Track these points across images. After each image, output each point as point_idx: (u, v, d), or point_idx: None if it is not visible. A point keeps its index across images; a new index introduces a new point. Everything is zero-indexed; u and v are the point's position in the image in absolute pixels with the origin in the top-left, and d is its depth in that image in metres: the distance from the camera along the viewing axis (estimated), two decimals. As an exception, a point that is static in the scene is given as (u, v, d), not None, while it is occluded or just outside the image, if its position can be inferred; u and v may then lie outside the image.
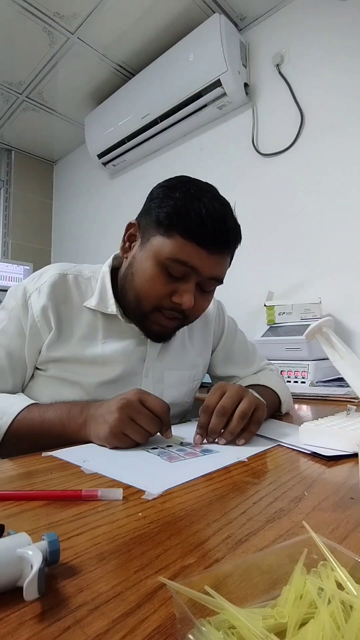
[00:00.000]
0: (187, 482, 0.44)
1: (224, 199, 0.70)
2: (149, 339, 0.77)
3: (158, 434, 0.60)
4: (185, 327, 0.84)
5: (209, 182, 0.72)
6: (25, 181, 2.97)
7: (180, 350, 0.84)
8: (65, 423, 0.62)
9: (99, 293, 0.75)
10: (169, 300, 0.68)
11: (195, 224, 0.63)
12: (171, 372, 0.82)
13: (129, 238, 0.74)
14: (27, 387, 0.76)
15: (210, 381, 1.01)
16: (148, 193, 0.73)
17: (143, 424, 0.57)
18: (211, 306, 0.92)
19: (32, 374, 0.76)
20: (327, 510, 0.37)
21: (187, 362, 0.85)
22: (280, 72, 1.69)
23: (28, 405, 0.65)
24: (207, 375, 0.96)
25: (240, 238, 0.72)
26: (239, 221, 0.72)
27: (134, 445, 0.58)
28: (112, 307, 0.74)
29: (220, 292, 0.99)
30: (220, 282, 0.71)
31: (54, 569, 0.27)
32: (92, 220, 2.68)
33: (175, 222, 0.64)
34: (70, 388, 0.73)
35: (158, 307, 0.69)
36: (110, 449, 0.57)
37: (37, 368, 0.75)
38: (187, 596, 0.20)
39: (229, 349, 0.93)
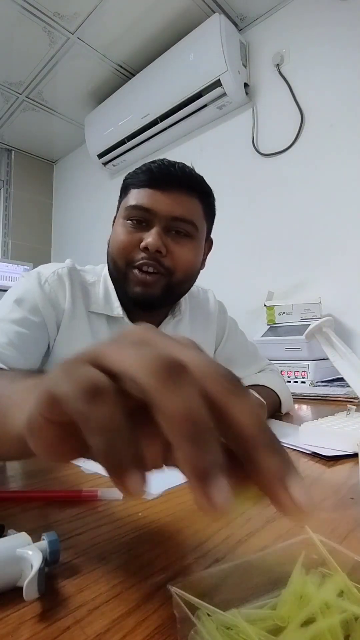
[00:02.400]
0: (187, 482, 0.44)
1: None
2: None
3: None
4: (186, 329, 0.83)
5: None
6: (25, 181, 2.97)
7: None
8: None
9: (103, 297, 0.75)
10: (137, 250, 0.67)
11: (143, 172, 0.69)
12: None
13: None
14: None
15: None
16: None
17: None
18: (212, 307, 0.92)
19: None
20: (327, 510, 0.37)
21: None
22: (280, 72, 1.69)
23: None
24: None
25: (199, 181, 0.72)
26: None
27: None
28: (117, 310, 0.74)
29: (220, 292, 1.00)
30: (189, 223, 0.69)
31: (54, 569, 0.27)
32: (92, 220, 2.68)
33: (129, 181, 0.71)
34: None
35: (130, 260, 0.68)
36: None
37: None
38: (187, 596, 0.20)
39: (230, 350, 0.92)
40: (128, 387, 0.18)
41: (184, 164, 0.72)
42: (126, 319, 0.74)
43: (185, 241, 0.70)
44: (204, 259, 0.82)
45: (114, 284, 0.74)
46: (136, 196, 0.69)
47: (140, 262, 0.67)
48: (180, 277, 0.70)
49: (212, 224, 0.80)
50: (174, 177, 0.68)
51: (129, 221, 0.69)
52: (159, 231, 0.67)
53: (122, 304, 0.74)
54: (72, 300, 0.72)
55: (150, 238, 0.66)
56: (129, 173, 0.73)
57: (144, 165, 0.70)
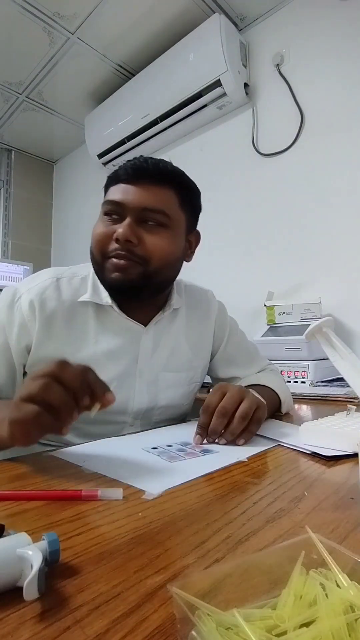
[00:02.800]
0: (187, 482, 0.44)
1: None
2: (141, 339, 0.77)
3: None
4: (179, 326, 0.83)
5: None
6: (25, 181, 2.97)
7: (175, 350, 0.83)
8: None
9: (92, 286, 0.76)
10: (112, 241, 0.70)
11: (119, 169, 0.72)
12: (166, 374, 0.81)
13: None
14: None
15: (210, 381, 1.01)
16: None
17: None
18: (212, 307, 0.91)
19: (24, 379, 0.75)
20: (327, 510, 0.37)
21: (182, 363, 0.84)
22: (280, 72, 1.69)
23: None
24: (208, 375, 0.95)
25: (173, 174, 0.73)
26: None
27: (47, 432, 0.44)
28: (106, 299, 0.74)
29: (220, 292, 1.00)
30: (159, 212, 0.70)
31: (54, 569, 0.27)
32: (92, 220, 2.65)
33: (107, 180, 0.75)
34: None
35: (105, 252, 0.71)
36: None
37: (27, 373, 0.74)
38: (187, 596, 0.20)
39: (231, 351, 0.92)
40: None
41: (163, 160, 0.73)
42: (116, 308, 0.75)
43: (158, 230, 0.71)
44: (192, 252, 0.82)
45: (97, 275, 0.76)
46: (111, 192, 0.72)
47: (114, 252, 0.70)
48: (156, 265, 0.70)
49: (196, 217, 0.81)
50: (145, 170, 0.70)
51: (105, 216, 0.72)
52: (129, 222, 0.69)
53: (107, 288, 0.75)
54: (54, 301, 0.73)
55: (120, 229, 0.68)
56: (110, 173, 0.75)
57: (122, 163, 0.73)
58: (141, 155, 0.73)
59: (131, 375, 0.76)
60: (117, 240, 0.68)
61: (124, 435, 0.72)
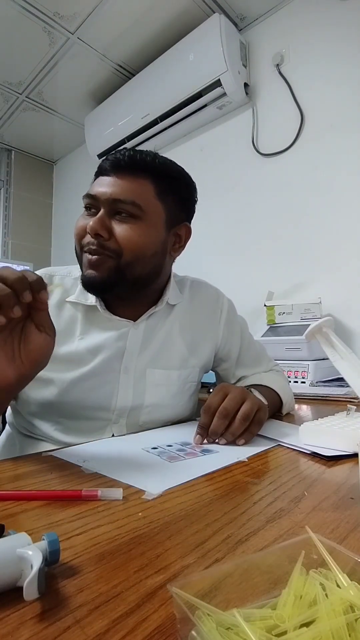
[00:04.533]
0: (187, 482, 0.44)
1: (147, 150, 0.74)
2: (128, 335, 0.75)
3: None
4: (174, 322, 0.81)
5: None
6: (25, 181, 2.97)
7: (166, 346, 0.80)
8: None
9: (81, 287, 0.75)
10: (87, 235, 0.69)
11: (102, 161, 0.72)
12: (154, 371, 0.78)
13: None
14: None
15: (210, 381, 1.00)
16: None
17: None
18: (221, 304, 0.89)
19: None
20: (327, 510, 0.37)
21: (175, 360, 0.81)
22: (280, 72, 1.69)
23: None
24: (209, 374, 0.94)
25: (150, 163, 0.70)
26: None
27: None
28: (91, 299, 0.74)
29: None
30: (130, 203, 0.68)
31: (54, 569, 0.27)
32: (92, 220, 2.67)
33: (95, 174, 0.74)
34: (44, 387, 0.72)
35: (82, 245, 0.71)
36: None
37: None
38: (187, 596, 0.20)
39: (238, 350, 0.90)
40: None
41: (143, 150, 0.72)
42: (101, 307, 0.74)
43: (129, 221, 0.69)
44: (181, 246, 0.79)
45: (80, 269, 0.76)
46: (91, 185, 0.73)
47: (87, 247, 0.69)
48: (128, 258, 0.68)
49: (185, 209, 0.78)
50: (118, 162, 0.70)
51: (85, 209, 0.73)
52: (101, 215, 0.68)
53: (84, 285, 0.74)
54: None
55: (91, 222, 0.68)
56: None
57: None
58: (124, 147, 0.73)
59: (114, 370, 0.74)
60: (89, 234, 0.68)
61: (125, 435, 0.72)
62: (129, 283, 0.71)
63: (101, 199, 0.69)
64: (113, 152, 0.72)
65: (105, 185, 0.69)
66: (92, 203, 0.71)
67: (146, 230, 0.70)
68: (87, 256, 0.69)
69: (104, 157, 0.73)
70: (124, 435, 0.73)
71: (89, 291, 0.73)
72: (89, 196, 0.71)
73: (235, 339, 0.89)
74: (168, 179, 0.72)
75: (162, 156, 0.74)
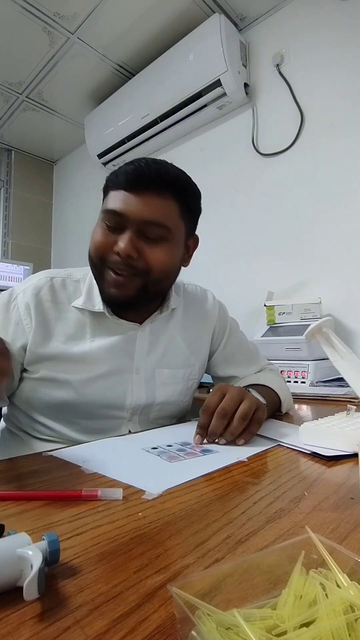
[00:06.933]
0: (187, 482, 0.44)
1: (162, 160, 0.72)
2: (136, 338, 0.77)
3: None
4: (176, 324, 0.84)
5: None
6: (25, 181, 2.97)
7: (171, 347, 0.83)
8: None
9: (86, 292, 0.77)
10: (112, 252, 0.69)
11: (120, 174, 0.70)
12: (162, 370, 0.81)
13: None
14: (18, 390, 0.76)
15: (210, 381, 1.01)
16: None
17: None
18: (211, 306, 0.92)
19: (22, 377, 0.76)
20: (327, 510, 0.37)
21: (179, 360, 0.84)
22: (280, 72, 1.69)
23: None
24: (207, 375, 0.95)
25: (175, 181, 0.70)
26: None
27: None
28: (99, 305, 0.75)
29: (220, 292, 1.00)
30: (162, 226, 0.69)
31: (54, 569, 0.27)
32: (92, 220, 2.65)
33: (108, 182, 0.72)
34: (60, 388, 0.73)
35: (105, 261, 0.70)
36: None
37: (27, 370, 0.74)
38: (187, 596, 0.20)
39: (230, 350, 0.92)
40: None
41: (162, 162, 0.71)
42: (109, 314, 0.75)
43: (158, 243, 0.70)
44: (190, 256, 0.81)
45: (95, 280, 0.76)
46: (112, 199, 0.70)
47: (114, 264, 0.69)
48: (156, 277, 0.71)
49: (195, 221, 0.79)
50: (147, 179, 0.68)
51: (105, 223, 0.70)
52: (130, 236, 0.68)
53: (104, 300, 0.75)
54: (49, 302, 0.75)
55: (122, 244, 0.67)
56: (110, 173, 0.73)
57: (123, 165, 0.71)
58: (143, 158, 0.71)
59: (128, 371, 0.77)
60: (117, 254, 0.68)
61: (125, 435, 0.73)
62: (150, 298, 0.74)
63: (130, 219, 0.67)
64: (130, 163, 0.70)
65: (134, 205, 0.67)
66: (117, 220, 0.69)
67: (173, 251, 0.72)
68: (111, 275, 0.70)
69: (122, 168, 0.70)
70: (132, 433, 0.75)
71: (110, 307, 0.75)
72: (114, 212, 0.68)
73: (226, 338, 0.92)
74: (189, 196, 0.73)
75: (180, 170, 0.73)
